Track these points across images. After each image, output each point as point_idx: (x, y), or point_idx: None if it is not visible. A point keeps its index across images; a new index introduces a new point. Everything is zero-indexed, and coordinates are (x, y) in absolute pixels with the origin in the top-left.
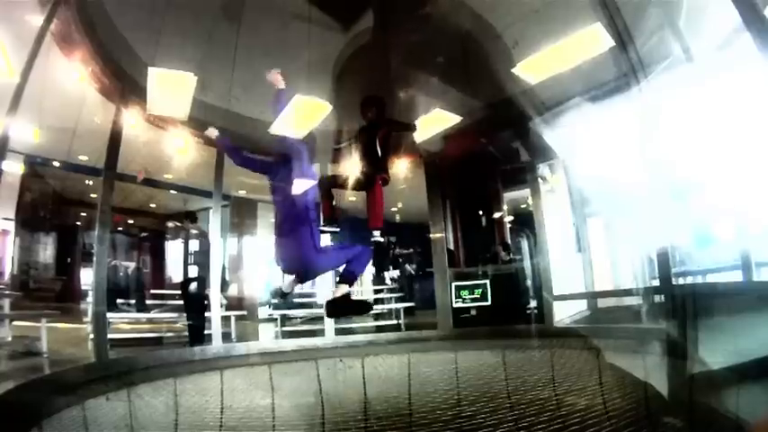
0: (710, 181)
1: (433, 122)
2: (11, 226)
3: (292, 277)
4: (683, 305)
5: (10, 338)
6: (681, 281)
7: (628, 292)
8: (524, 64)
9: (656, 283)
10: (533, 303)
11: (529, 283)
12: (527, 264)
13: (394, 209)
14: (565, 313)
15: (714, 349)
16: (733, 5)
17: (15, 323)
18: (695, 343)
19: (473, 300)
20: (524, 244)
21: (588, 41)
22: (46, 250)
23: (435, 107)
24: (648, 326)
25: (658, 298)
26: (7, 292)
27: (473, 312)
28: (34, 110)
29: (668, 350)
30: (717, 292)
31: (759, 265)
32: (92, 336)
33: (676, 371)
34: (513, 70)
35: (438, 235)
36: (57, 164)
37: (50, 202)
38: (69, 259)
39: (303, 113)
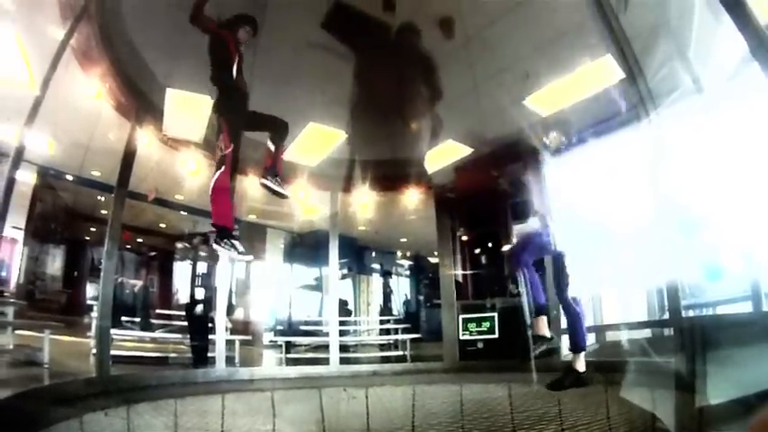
0: (720, 213)
1: (444, 154)
2: (20, 235)
3: None
4: (691, 338)
5: (11, 346)
6: (690, 313)
7: (637, 326)
8: (535, 96)
9: (666, 316)
10: None
11: None
12: None
13: (403, 240)
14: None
15: (723, 381)
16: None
17: (18, 332)
18: (704, 376)
19: (480, 333)
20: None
21: (599, 73)
22: (54, 262)
23: (446, 138)
24: (657, 359)
25: (667, 331)
26: (12, 300)
27: (480, 345)
28: (50, 122)
29: (677, 383)
30: (726, 323)
31: None
32: (94, 350)
33: (685, 404)
34: (524, 102)
35: (447, 267)
36: (69, 177)
37: (61, 215)
38: (76, 273)
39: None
